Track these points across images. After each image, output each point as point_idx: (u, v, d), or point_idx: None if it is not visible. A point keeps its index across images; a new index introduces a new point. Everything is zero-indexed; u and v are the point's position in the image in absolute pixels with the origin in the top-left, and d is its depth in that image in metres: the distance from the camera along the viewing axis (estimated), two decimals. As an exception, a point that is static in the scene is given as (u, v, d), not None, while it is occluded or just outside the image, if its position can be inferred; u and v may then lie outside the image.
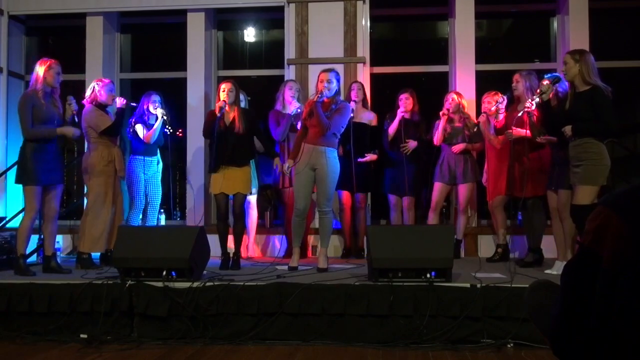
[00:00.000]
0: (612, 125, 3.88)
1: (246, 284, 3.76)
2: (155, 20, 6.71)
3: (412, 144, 5.30)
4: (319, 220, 4.57)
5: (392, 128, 5.36)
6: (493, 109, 4.92)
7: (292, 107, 5.29)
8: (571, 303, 1.30)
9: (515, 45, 6.65)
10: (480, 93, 5.44)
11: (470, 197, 5.30)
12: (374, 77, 6.13)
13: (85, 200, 4.98)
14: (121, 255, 3.91)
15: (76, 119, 4.59)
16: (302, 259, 4.78)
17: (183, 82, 6.26)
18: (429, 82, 6.56)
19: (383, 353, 3.39)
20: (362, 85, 5.55)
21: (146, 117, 5.26)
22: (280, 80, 5.86)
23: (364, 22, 6.00)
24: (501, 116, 4.89)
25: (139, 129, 5.20)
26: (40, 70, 4.41)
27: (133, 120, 5.23)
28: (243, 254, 5.14)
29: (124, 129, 5.16)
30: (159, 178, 5.37)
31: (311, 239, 5.67)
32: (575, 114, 3.93)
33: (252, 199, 5.42)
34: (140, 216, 5.27)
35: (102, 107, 4.84)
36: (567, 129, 3.95)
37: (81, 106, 4.85)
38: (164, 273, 3.81)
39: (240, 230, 4.71)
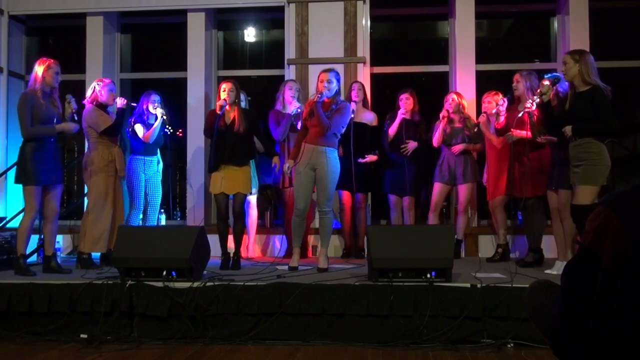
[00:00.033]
0: (612, 125, 3.88)
1: (246, 284, 3.76)
2: (156, 20, 6.71)
3: (412, 144, 5.30)
4: (319, 220, 4.57)
5: (392, 129, 5.35)
6: (494, 111, 4.93)
7: (292, 107, 5.29)
8: (571, 303, 1.30)
9: (516, 45, 6.65)
10: (480, 93, 5.44)
11: (470, 197, 5.30)
12: (374, 77, 6.13)
13: (86, 200, 4.98)
14: (121, 255, 3.91)
15: (75, 118, 4.59)
16: (302, 259, 4.78)
17: (183, 82, 6.26)
18: (429, 82, 6.56)
19: (383, 353, 3.39)
20: (363, 86, 5.55)
21: (145, 117, 5.26)
22: (280, 80, 5.86)
23: (364, 22, 6.00)
24: (502, 118, 4.89)
25: (138, 128, 5.20)
26: (39, 70, 4.41)
27: (132, 119, 5.24)
28: (243, 254, 5.14)
29: (123, 129, 5.16)
30: (159, 178, 5.37)
31: (311, 239, 5.67)
32: (575, 114, 3.93)
33: (252, 199, 5.42)
34: (141, 216, 5.27)
35: (102, 107, 4.84)
36: (568, 129, 3.95)
37: (82, 106, 4.85)
38: (164, 273, 3.81)
39: (240, 230, 4.71)
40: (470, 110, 5.54)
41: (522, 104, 4.60)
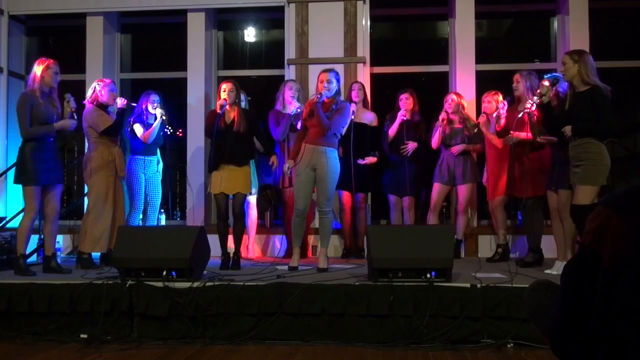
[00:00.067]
0: (612, 125, 3.88)
1: (246, 284, 3.76)
2: (156, 20, 6.71)
3: (411, 145, 5.30)
4: (319, 220, 4.57)
5: (392, 130, 5.35)
6: (495, 115, 4.92)
7: (292, 107, 5.29)
8: (571, 303, 1.29)
9: (516, 45, 6.65)
10: (480, 93, 5.44)
11: (470, 197, 5.30)
12: (374, 77, 6.13)
13: (86, 200, 4.98)
14: (121, 255, 3.91)
15: (75, 117, 4.58)
16: (302, 259, 4.78)
17: (183, 82, 6.26)
18: (429, 82, 6.56)
19: (383, 353, 3.39)
20: (363, 86, 5.55)
21: (144, 117, 5.26)
22: (280, 80, 5.86)
23: (364, 22, 6.00)
24: (502, 120, 4.88)
25: (137, 128, 5.20)
26: (38, 70, 4.41)
27: (131, 119, 5.23)
28: (243, 254, 5.14)
29: (124, 129, 5.16)
30: (159, 178, 5.37)
31: (311, 239, 5.67)
32: (575, 114, 3.93)
33: (252, 199, 5.42)
34: (141, 216, 5.27)
35: (103, 107, 4.84)
36: (567, 129, 3.95)
37: (82, 106, 4.85)
38: (164, 273, 3.80)
39: (240, 230, 4.71)
40: (470, 111, 5.54)
41: (522, 105, 4.60)
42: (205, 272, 4.14)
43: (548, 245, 4.78)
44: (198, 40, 6.22)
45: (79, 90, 5.78)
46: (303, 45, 5.97)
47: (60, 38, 7.08)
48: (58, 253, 4.69)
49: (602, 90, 3.88)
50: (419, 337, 3.51)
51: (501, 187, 4.95)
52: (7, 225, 5.54)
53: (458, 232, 5.29)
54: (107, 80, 4.94)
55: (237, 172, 4.69)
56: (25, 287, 3.90)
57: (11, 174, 4.91)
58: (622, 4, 6.33)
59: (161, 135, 5.32)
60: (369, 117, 5.46)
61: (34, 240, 4.90)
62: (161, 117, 5.18)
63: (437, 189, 5.27)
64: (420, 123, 5.42)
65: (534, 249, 4.73)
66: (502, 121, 4.89)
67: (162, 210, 5.62)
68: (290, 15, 6.03)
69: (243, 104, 5.14)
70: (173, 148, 6.43)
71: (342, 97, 4.77)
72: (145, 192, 5.26)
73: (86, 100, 4.87)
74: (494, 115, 4.94)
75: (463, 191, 5.25)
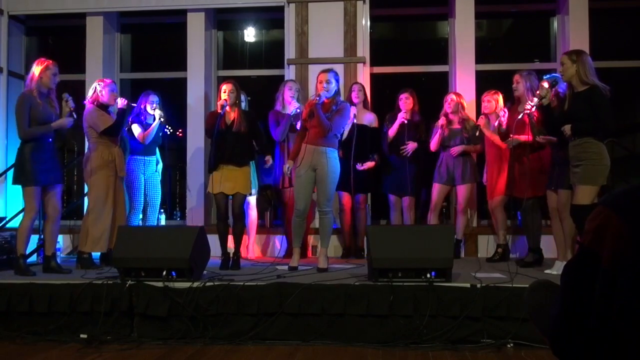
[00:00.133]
0: (609, 124, 3.88)
1: (246, 284, 3.76)
2: (155, 20, 6.71)
3: (411, 145, 5.30)
4: (319, 220, 4.57)
5: (392, 131, 5.35)
6: (496, 124, 4.91)
7: (292, 107, 5.29)
8: (571, 303, 1.29)
9: (515, 45, 6.65)
10: (480, 93, 5.44)
11: (470, 197, 5.30)
12: (374, 77, 6.13)
13: (86, 200, 4.97)
14: (121, 255, 3.91)
15: (74, 115, 4.57)
16: (302, 259, 4.78)
17: (183, 82, 6.26)
18: (429, 82, 6.56)
19: (383, 353, 3.39)
20: (363, 87, 5.55)
21: (143, 117, 5.26)
22: (280, 80, 5.86)
23: (364, 22, 6.00)
24: (504, 127, 4.85)
25: (135, 128, 5.20)
26: (36, 70, 4.40)
27: (130, 119, 5.23)
28: (243, 254, 5.14)
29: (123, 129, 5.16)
30: (158, 178, 5.37)
31: (311, 239, 5.67)
32: (575, 114, 3.93)
33: (252, 199, 5.42)
34: (141, 216, 5.27)
35: (103, 107, 4.83)
36: (567, 128, 3.95)
37: (82, 106, 4.85)
38: (164, 273, 3.81)
39: (240, 230, 4.71)
40: (470, 111, 5.54)
41: (522, 105, 4.60)
42: (205, 272, 4.14)
43: (548, 246, 4.78)
44: (198, 40, 6.22)
45: (78, 90, 5.79)
46: (303, 45, 5.97)
47: (60, 38, 7.07)
48: (58, 253, 4.68)
49: (600, 90, 3.88)
50: (419, 337, 3.51)
51: (501, 187, 4.95)
52: (7, 226, 5.54)
53: (458, 232, 5.29)
54: (108, 81, 4.94)
55: (237, 172, 4.69)
56: (25, 287, 3.90)
57: (11, 174, 4.91)
58: (622, 4, 6.33)
59: (160, 136, 5.32)
60: (369, 118, 5.46)
61: (33, 240, 4.90)
62: (159, 118, 5.18)
63: (437, 189, 5.27)
64: (420, 123, 5.42)
65: (534, 249, 4.73)
66: (504, 128, 4.87)
67: (162, 210, 5.62)
68: (290, 15, 6.03)
69: (243, 105, 5.14)
70: (173, 148, 6.43)
71: (341, 97, 4.76)
72: (144, 192, 5.26)
73: (87, 100, 4.87)
74: (496, 124, 4.93)
75: (462, 191, 5.25)
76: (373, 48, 6.14)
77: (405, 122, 5.30)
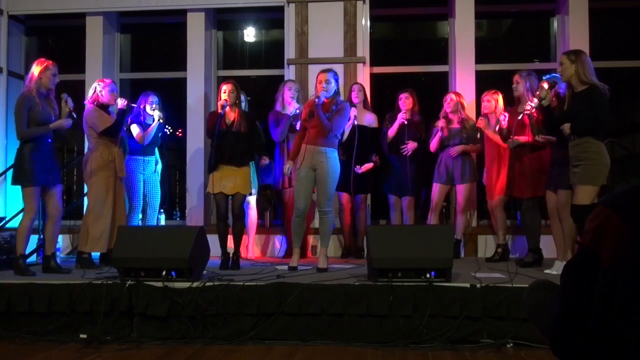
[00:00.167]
0: (608, 124, 3.88)
1: (246, 284, 3.76)
2: (155, 20, 6.71)
3: (411, 145, 5.30)
4: (319, 220, 4.57)
5: (392, 131, 5.35)
6: (497, 128, 4.90)
7: (291, 107, 5.29)
8: (571, 303, 1.29)
9: (515, 45, 6.65)
10: (480, 93, 5.44)
11: (469, 197, 5.30)
12: (373, 77, 6.13)
13: (86, 200, 4.97)
14: (121, 255, 3.90)
15: (74, 115, 4.57)
16: (302, 259, 4.78)
17: (183, 82, 6.26)
18: (428, 82, 6.56)
19: (382, 353, 3.38)
20: (363, 87, 5.55)
21: (142, 117, 5.26)
22: (280, 80, 5.86)
23: (363, 22, 6.00)
24: (505, 131, 4.85)
25: (134, 129, 5.19)
26: (36, 70, 4.40)
27: (129, 119, 5.23)
28: (243, 254, 5.14)
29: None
30: (158, 178, 5.37)
31: (311, 239, 5.67)
32: (574, 114, 3.93)
33: (252, 199, 5.42)
34: (140, 216, 5.27)
35: (104, 107, 4.83)
36: (566, 127, 3.95)
37: (82, 106, 4.85)
38: (164, 273, 3.80)
39: (239, 230, 4.71)
40: (470, 111, 5.54)
41: (522, 106, 4.60)
42: (204, 272, 4.14)
43: (548, 246, 4.78)
44: (198, 40, 6.22)
45: (78, 90, 5.79)
46: (303, 45, 5.97)
47: (59, 38, 7.07)
48: (57, 253, 4.68)
49: (600, 90, 3.88)
50: (419, 337, 3.51)
51: (500, 187, 4.95)
52: (7, 226, 5.54)
53: (457, 232, 5.29)
54: (108, 81, 4.94)
55: (237, 172, 4.69)
56: (25, 287, 3.90)
57: (10, 174, 4.90)
58: (622, 4, 6.33)
59: (159, 136, 5.32)
60: (369, 119, 5.45)
61: (33, 240, 4.90)
62: (159, 119, 5.18)
63: (437, 189, 5.27)
64: (420, 123, 5.42)
65: (534, 249, 4.73)
66: (504, 129, 4.86)
67: (162, 211, 5.62)
68: (290, 15, 6.03)
69: (243, 105, 5.14)
70: (173, 148, 6.43)
71: (341, 97, 4.76)
72: (144, 192, 5.26)
73: (87, 100, 4.86)
74: (497, 128, 4.92)
75: (462, 191, 5.25)
76: (373, 48, 6.14)
77: (405, 122, 5.30)
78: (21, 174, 4.35)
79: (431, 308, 3.54)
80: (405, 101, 5.36)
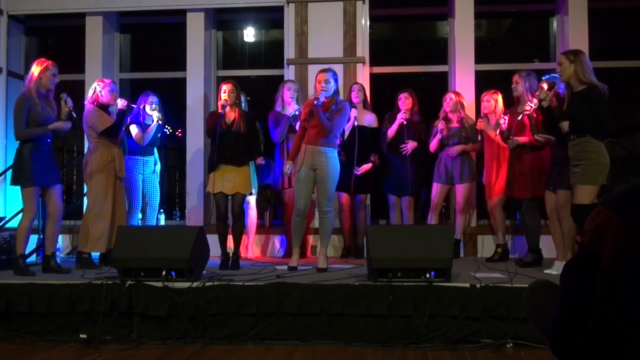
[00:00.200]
0: (607, 123, 3.88)
1: (245, 284, 3.76)
2: (155, 20, 6.71)
3: (411, 144, 5.30)
4: (319, 220, 4.57)
5: (391, 131, 5.35)
6: (498, 131, 4.90)
7: (291, 108, 5.29)
8: (571, 303, 1.29)
9: (515, 45, 6.65)
10: (479, 93, 5.44)
11: (468, 197, 5.30)
12: (373, 77, 6.13)
13: (86, 200, 4.97)
14: (121, 255, 3.90)
15: (74, 115, 4.56)
16: (302, 259, 4.77)
17: (182, 82, 6.26)
18: (428, 82, 6.56)
19: (382, 353, 3.38)
20: (363, 87, 5.55)
21: (141, 118, 5.25)
22: (279, 80, 5.85)
23: (363, 22, 6.00)
24: (506, 133, 4.85)
25: (133, 129, 5.19)
26: (36, 70, 4.39)
27: (128, 119, 5.22)
28: (243, 254, 5.14)
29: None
30: (157, 179, 5.37)
31: (311, 239, 5.67)
32: (573, 114, 3.93)
33: (252, 199, 5.42)
34: (140, 216, 5.27)
35: (104, 107, 4.83)
36: (564, 124, 3.96)
37: (82, 107, 4.85)
38: (164, 273, 3.80)
39: (239, 230, 4.71)
40: (470, 111, 5.54)
41: (522, 106, 4.61)
42: (204, 272, 4.14)
43: (548, 246, 4.78)
44: (197, 40, 6.21)
45: (77, 90, 5.79)
46: (302, 45, 5.97)
47: (59, 38, 7.07)
48: (57, 253, 4.68)
49: (599, 89, 3.89)
50: (419, 337, 3.51)
51: (500, 187, 4.95)
52: (7, 226, 5.54)
53: (457, 231, 5.30)
54: (108, 81, 4.94)
55: (237, 172, 4.69)
56: (25, 287, 3.90)
57: (10, 174, 4.90)
58: (622, 4, 6.33)
59: (158, 137, 5.31)
60: (369, 119, 5.45)
61: (33, 240, 4.90)
62: (158, 121, 5.17)
63: (437, 189, 5.26)
64: (420, 123, 5.42)
65: (533, 249, 4.73)
66: (506, 133, 4.86)
67: (162, 211, 5.62)
68: (289, 15, 6.03)
69: (242, 105, 5.14)
70: (172, 148, 6.43)
71: (340, 97, 4.75)
72: (143, 192, 5.26)
73: (86, 100, 4.86)
74: (497, 132, 4.91)
75: (461, 191, 5.25)
76: (373, 48, 6.14)
77: (404, 122, 5.30)
78: (20, 174, 4.34)
79: (431, 308, 3.54)
80: (405, 101, 5.36)
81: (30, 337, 3.74)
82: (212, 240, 4.58)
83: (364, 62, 5.93)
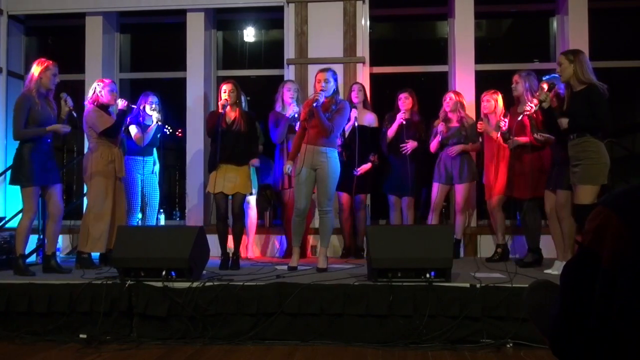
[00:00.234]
0: (604, 122, 3.88)
1: (245, 284, 3.76)
2: (155, 20, 6.71)
3: (411, 144, 5.30)
4: (320, 219, 4.57)
5: (391, 131, 5.35)
6: (499, 135, 4.89)
7: (291, 109, 5.29)
8: (571, 303, 1.29)
9: (515, 45, 6.65)
10: (479, 93, 5.44)
11: (468, 197, 5.30)
12: (373, 77, 6.13)
13: (86, 200, 4.97)
14: (121, 255, 3.90)
15: (74, 114, 4.56)
16: (302, 258, 4.77)
17: (182, 82, 6.26)
18: (428, 82, 6.56)
19: (382, 353, 3.38)
20: (363, 87, 5.54)
21: (141, 118, 5.25)
22: (279, 80, 5.85)
23: (363, 22, 6.00)
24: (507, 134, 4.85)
25: (132, 129, 5.19)
26: (36, 70, 4.39)
27: (128, 119, 5.22)
28: (243, 254, 5.14)
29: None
30: (156, 179, 5.36)
31: (311, 239, 5.67)
32: (573, 113, 3.93)
33: (252, 199, 5.42)
34: (140, 216, 5.27)
35: (104, 107, 4.83)
36: (563, 121, 3.96)
37: (82, 107, 4.84)
38: (164, 273, 3.80)
39: (239, 230, 4.71)
40: (470, 111, 5.54)
41: (522, 106, 4.61)
42: (204, 272, 4.14)
43: (548, 246, 4.78)
44: (197, 40, 6.21)
45: (78, 90, 5.79)
46: (302, 45, 5.97)
47: (59, 38, 7.07)
48: (57, 253, 4.68)
49: (598, 89, 3.89)
50: (419, 337, 3.51)
51: (499, 187, 4.95)
52: (6, 226, 5.53)
53: (457, 231, 5.29)
54: (107, 81, 4.93)
55: (237, 172, 4.69)
56: (25, 287, 3.90)
57: (10, 174, 4.90)
58: (622, 4, 6.33)
59: (157, 138, 5.31)
60: (369, 119, 5.45)
61: (32, 240, 4.90)
62: (157, 122, 5.17)
63: (437, 189, 5.26)
64: (420, 123, 5.42)
65: (533, 249, 4.73)
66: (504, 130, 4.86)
67: (162, 211, 5.62)
68: (289, 15, 6.02)
69: (242, 105, 5.14)
70: (172, 148, 6.43)
71: (340, 96, 4.75)
72: (142, 192, 5.26)
73: (86, 100, 4.86)
74: (498, 135, 4.91)
75: (461, 190, 5.24)
76: (373, 48, 6.14)
77: (404, 122, 5.30)
78: (20, 174, 4.34)
79: (431, 308, 3.54)
80: (405, 101, 5.36)
81: (30, 337, 3.74)
82: (212, 240, 4.58)
83: (364, 62, 5.93)
